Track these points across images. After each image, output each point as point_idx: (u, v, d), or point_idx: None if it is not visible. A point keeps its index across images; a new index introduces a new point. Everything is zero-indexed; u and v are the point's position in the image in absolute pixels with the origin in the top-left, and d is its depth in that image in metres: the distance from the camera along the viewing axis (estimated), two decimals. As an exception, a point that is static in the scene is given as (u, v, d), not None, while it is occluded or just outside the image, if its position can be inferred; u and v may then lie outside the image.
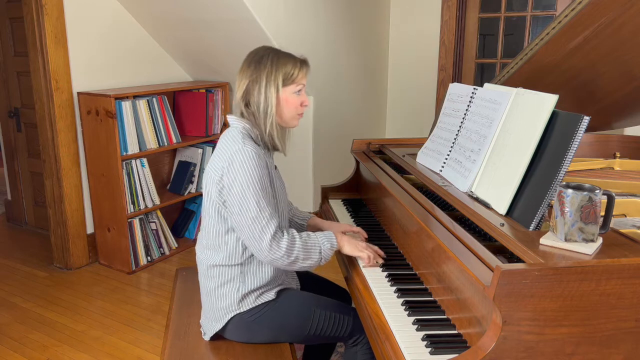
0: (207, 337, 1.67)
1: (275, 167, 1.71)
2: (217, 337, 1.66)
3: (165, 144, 3.40)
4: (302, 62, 1.64)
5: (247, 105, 1.61)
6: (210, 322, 1.65)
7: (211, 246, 1.62)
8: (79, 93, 3.18)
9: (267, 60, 1.59)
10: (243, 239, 1.56)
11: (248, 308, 1.61)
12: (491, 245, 1.26)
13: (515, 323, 1.03)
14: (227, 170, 1.51)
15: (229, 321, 1.61)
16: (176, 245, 3.60)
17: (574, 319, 1.04)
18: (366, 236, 1.83)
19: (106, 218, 3.28)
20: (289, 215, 1.88)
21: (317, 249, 1.57)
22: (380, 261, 1.66)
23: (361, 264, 1.66)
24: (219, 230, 1.60)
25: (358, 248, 1.64)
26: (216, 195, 1.56)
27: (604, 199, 1.18)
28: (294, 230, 1.58)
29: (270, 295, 1.62)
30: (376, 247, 1.68)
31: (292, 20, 3.36)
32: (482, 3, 4.09)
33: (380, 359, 1.29)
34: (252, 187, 1.49)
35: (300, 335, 1.63)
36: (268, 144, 1.64)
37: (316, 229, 1.89)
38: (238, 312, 1.60)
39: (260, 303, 1.61)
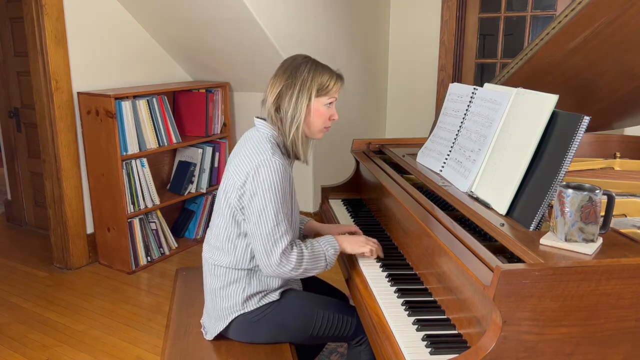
0: (209, 337, 1.67)
1: (292, 177, 1.71)
2: (218, 336, 1.65)
3: (165, 144, 3.40)
4: (339, 76, 1.65)
5: (277, 110, 1.61)
6: (213, 322, 1.65)
7: (220, 248, 1.62)
8: (79, 93, 3.18)
9: (305, 68, 1.60)
10: (253, 249, 1.56)
11: (252, 308, 1.61)
12: (491, 245, 1.26)
13: (515, 323, 1.03)
14: (253, 178, 1.50)
15: (232, 321, 1.62)
16: (176, 245, 3.60)
17: (574, 319, 1.04)
18: (357, 230, 1.84)
19: (106, 218, 3.28)
20: None
21: (322, 256, 1.58)
22: (381, 254, 1.67)
23: (362, 261, 1.66)
24: (230, 234, 1.60)
25: (359, 245, 1.65)
26: (235, 200, 1.55)
27: (604, 199, 1.18)
28: (298, 241, 1.58)
29: (275, 295, 1.63)
30: (374, 240, 1.70)
31: (292, 20, 3.36)
32: (482, 3, 4.09)
33: (381, 359, 1.29)
34: (274, 200, 1.49)
35: (303, 336, 1.64)
36: (290, 152, 1.64)
37: (313, 232, 1.90)
38: (242, 312, 1.61)
39: (264, 304, 1.62)
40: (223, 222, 1.60)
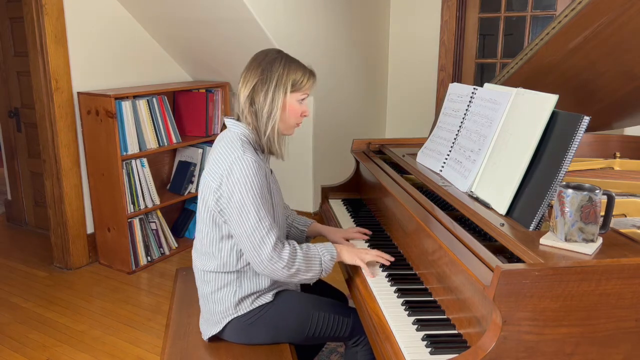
0: (206, 338, 1.66)
1: (272, 172, 1.70)
2: (217, 337, 1.65)
3: (165, 144, 3.40)
4: (311, 73, 1.65)
5: (251, 104, 1.59)
6: (208, 326, 1.64)
7: (205, 253, 1.61)
8: (79, 93, 3.18)
9: (279, 63, 1.58)
10: (242, 249, 1.54)
11: (245, 311, 1.60)
12: (491, 245, 1.26)
13: (515, 323, 1.03)
14: (227, 179, 1.49)
15: (226, 325, 1.61)
16: (176, 245, 3.60)
17: (574, 319, 1.04)
18: (370, 233, 1.83)
19: (106, 218, 3.28)
20: (288, 222, 1.87)
21: (317, 260, 1.55)
22: (386, 262, 1.61)
23: (364, 271, 1.62)
24: (212, 238, 1.58)
25: (358, 256, 1.61)
26: (213, 203, 1.53)
27: (604, 199, 1.18)
28: (295, 242, 1.57)
29: (268, 297, 1.62)
30: (376, 251, 1.64)
31: (292, 20, 3.36)
32: (482, 3, 4.09)
33: (380, 359, 1.29)
34: (252, 196, 1.47)
35: (300, 336, 1.63)
36: (265, 148, 1.62)
37: (317, 234, 1.88)
38: (235, 315, 1.60)
39: (257, 306, 1.60)
40: (204, 227, 1.59)
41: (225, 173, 1.49)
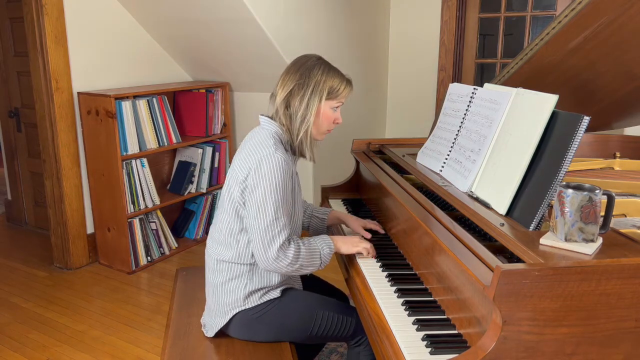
0: (209, 334, 1.67)
1: (296, 174, 1.72)
2: (219, 334, 1.66)
3: (165, 144, 3.40)
4: (348, 81, 1.68)
5: (287, 107, 1.63)
6: (214, 318, 1.66)
7: (222, 242, 1.64)
8: (79, 93, 3.18)
9: (318, 70, 1.62)
10: (251, 242, 1.57)
11: (253, 305, 1.62)
12: (491, 245, 1.26)
13: (515, 323, 1.03)
14: (254, 173, 1.53)
15: (233, 317, 1.62)
16: (176, 245, 3.60)
17: (574, 319, 1.04)
18: (382, 232, 1.87)
19: (106, 218, 3.28)
20: (308, 212, 1.93)
21: (317, 254, 1.61)
22: (373, 254, 1.71)
23: (362, 261, 1.68)
24: (232, 228, 1.62)
25: (353, 244, 1.69)
26: (238, 195, 1.58)
27: (604, 199, 1.18)
28: (295, 237, 1.61)
29: (276, 293, 1.64)
30: (367, 242, 1.72)
31: (292, 20, 3.36)
32: (482, 3, 4.09)
33: (380, 359, 1.29)
34: (274, 194, 1.52)
35: (303, 335, 1.64)
36: (295, 150, 1.66)
37: (337, 221, 1.93)
38: (243, 308, 1.62)
39: (265, 300, 1.63)
40: (226, 216, 1.62)
41: (254, 166, 1.53)
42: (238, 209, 1.59)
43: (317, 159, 1.73)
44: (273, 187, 1.51)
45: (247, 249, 1.61)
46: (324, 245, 1.63)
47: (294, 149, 1.66)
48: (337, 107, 1.67)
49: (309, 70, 1.62)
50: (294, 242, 1.57)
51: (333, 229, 1.97)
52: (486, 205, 1.44)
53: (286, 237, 1.54)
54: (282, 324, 1.63)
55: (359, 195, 2.36)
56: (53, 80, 3.05)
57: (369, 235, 1.83)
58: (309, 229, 1.95)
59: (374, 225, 1.88)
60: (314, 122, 1.63)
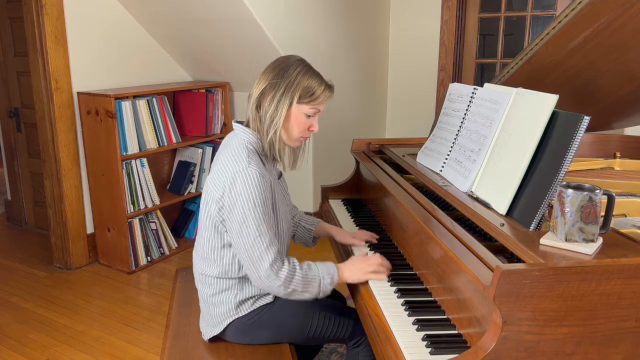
0: (206, 339, 1.66)
1: (281, 174, 1.67)
2: (217, 337, 1.65)
3: (165, 144, 3.40)
4: (328, 86, 1.56)
5: (257, 107, 1.53)
6: (209, 327, 1.64)
7: (206, 258, 1.58)
8: (79, 93, 3.18)
9: (294, 71, 1.51)
10: (240, 261, 1.52)
11: (246, 312, 1.59)
12: (491, 245, 1.26)
13: (515, 323, 1.03)
14: (229, 190, 1.44)
15: (227, 326, 1.60)
16: (176, 245, 3.60)
17: (574, 319, 1.04)
18: (377, 237, 1.79)
19: (106, 218, 3.28)
20: (295, 221, 1.85)
21: (316, 282, 1.50)
22: (386, 272, 1.55)
23: (372, 283, 1.55)
24: (214, 245, 1.55)
25: (362, 272, 1.54)
26: (215, 212, 1.51)
27: (604, 199, 1.18)
28: (295, 260, 1.52)
29: (268, 298, 1.61)
30: (379, 262, 1.56)
31: (292, 20, 3.36)
32: (482, 3, 4.09)
33: (380, 359, 1.29)
34: (253, 211, 1.43)
35: (301, 337, 1.63)
36: (268, 155, 1.56)
37: (325, 234, 1.86)
38: (236, 317, 1.59)
39: (257, 307, 1.60)
40: (206, 233, 1.55)
41: (228, 184, 1.45)
42: (217, 225, 1.52)
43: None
44: (251, 204, 1.43)
45: (233, 264, 1.54)
46: (325, 275, 1.51)
47: (267, 154, 1.55)
48: (313, 113, 1.54)
49: (284, 70, 1.51)
50: (289, 263, 1.48)
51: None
52: (486, 205, 1.44)
53: (275, 253, 1.46)
54: (279, 327, 1.60)
55: (359, 195, 2.36)
56: (53, 80, 3.05)
57: (362, 243, 1.77)
58: (294, 238, 1.85)
59: (366, 236, 1.79)
60: (284, 126, 1.52)
